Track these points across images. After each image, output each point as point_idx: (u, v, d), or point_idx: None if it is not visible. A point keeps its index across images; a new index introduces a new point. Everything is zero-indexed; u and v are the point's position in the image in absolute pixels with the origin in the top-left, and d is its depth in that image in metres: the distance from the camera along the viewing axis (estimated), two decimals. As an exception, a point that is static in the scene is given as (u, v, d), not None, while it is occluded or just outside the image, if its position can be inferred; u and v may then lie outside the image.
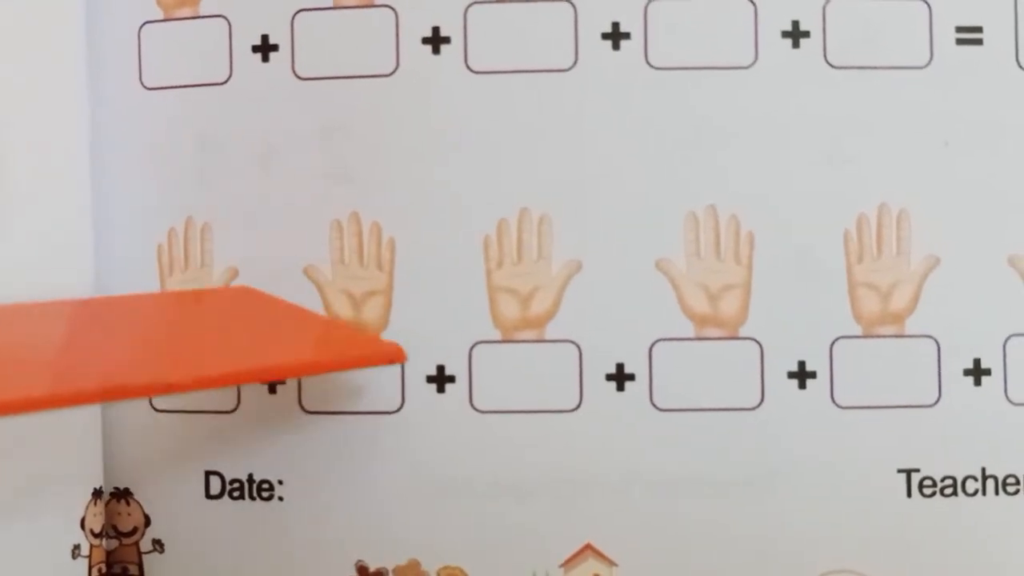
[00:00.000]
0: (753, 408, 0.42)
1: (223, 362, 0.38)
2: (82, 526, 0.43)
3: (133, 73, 0.43)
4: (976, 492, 0.42)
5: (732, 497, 0.41)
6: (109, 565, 0.44)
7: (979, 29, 0.41)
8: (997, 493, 0.42)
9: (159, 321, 0.42)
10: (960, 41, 0.41)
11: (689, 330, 0.42)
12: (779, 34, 0.42)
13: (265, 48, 0.42)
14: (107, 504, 0.44)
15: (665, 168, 0.41)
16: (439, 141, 0.42)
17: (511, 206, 0.42)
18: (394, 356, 0.40)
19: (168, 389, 0.37)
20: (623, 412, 0.42)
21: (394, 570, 0.42)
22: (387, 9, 0.42)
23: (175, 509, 0.43)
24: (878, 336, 0.42)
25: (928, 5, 0.41)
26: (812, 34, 0.41)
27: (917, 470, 0.42)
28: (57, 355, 0.38)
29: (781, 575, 0.42)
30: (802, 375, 0.42)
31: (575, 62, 0.42)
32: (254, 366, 0.38)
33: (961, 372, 0.42)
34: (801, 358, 0.42)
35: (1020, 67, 0.41)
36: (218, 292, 0.42)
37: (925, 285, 0.42)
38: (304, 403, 0.42)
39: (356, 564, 0.42)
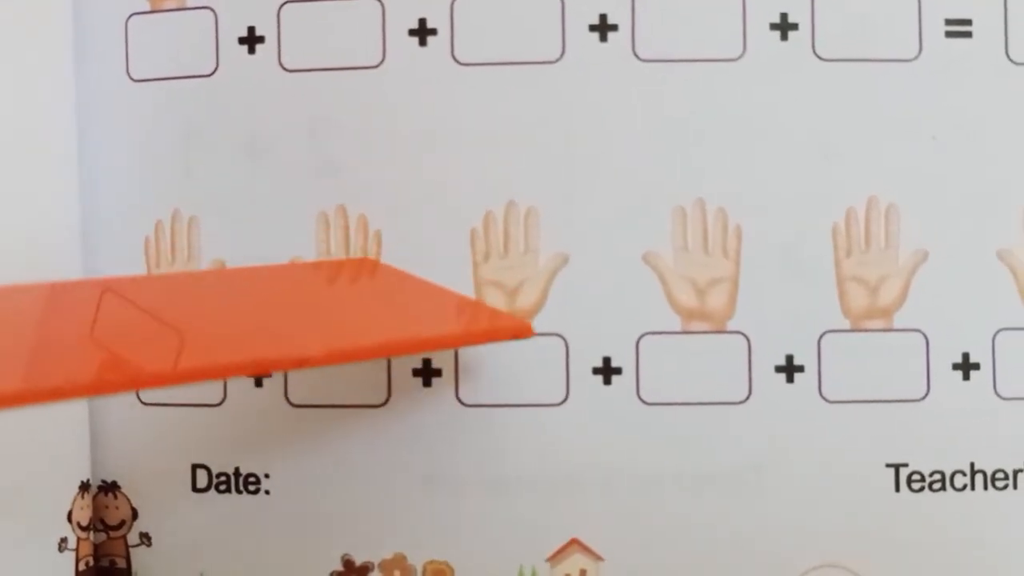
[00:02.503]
0: (741, 402, 0.41)
1: (354, 336, 0.37)
2: (69, 519, 0.43)
3: (120, 65, 0.43)
4: (965, 487, 0.41)
5: (719, 491, 0.41)
6: (96, 558, 0.44)
7: (968, 22, 0.41)
8: (986, 488, 0.41)
9: (283, 294, 0.40)
10: (949, 34, 0.41)
11: (676, 324, 0.41)
12: (767, 26, 0.41)
13: (252, 40, 0.42)
14: (94, 497, 0.44)
15: (652, 161, 0.41)
16: (426, 133, 0.42)
17: (498, 199, 0.42)
18: (521, 331, 0.39)
19: (302, 363, 0.35)
20: (610, 406, 0.42)
21: (380, 564, 0.42)
22: (374, 1, 0.42)
23: (162, 502, 0.43)
24: (866, 330, 0.41)
25: (917, -2, 0.41)
26: (800, 26, 0.41)
27: (905, 464, 0.41)
28: (191, 328, 0.37)
29: (768, 569, 0.41)
30: (790, 369, 0.41)
31: (562, 54, 0.42)
32: (384, 340, 0.37)
33: (950, 366, 0.41)
34: (789, 352, 0.41)
35: (1009, 60, 0.41)
36: (339, 264, 0.42)
37: (914, 279, 0.41)
38: (290, 397, 0.42)
39: (342, 557, 0.42)
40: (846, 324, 0.41)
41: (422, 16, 0.42)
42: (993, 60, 0.41)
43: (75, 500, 0.43)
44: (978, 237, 0.41)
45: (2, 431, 0.40)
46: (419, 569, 0.42)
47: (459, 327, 0.40)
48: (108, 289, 0.37)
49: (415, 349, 0.40)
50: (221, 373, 0.37)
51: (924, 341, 0.41)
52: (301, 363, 0.35)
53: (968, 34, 0.41)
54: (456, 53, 0.42)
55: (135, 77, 0.43)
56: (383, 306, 0.40)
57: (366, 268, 0.41)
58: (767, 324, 0.41)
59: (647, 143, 0.41)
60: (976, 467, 0.41)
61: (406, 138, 0.42)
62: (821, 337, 0.41)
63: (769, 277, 0.41)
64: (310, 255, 0.42)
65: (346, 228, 0.42)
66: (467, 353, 0.42)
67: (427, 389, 0.42)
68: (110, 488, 0.44)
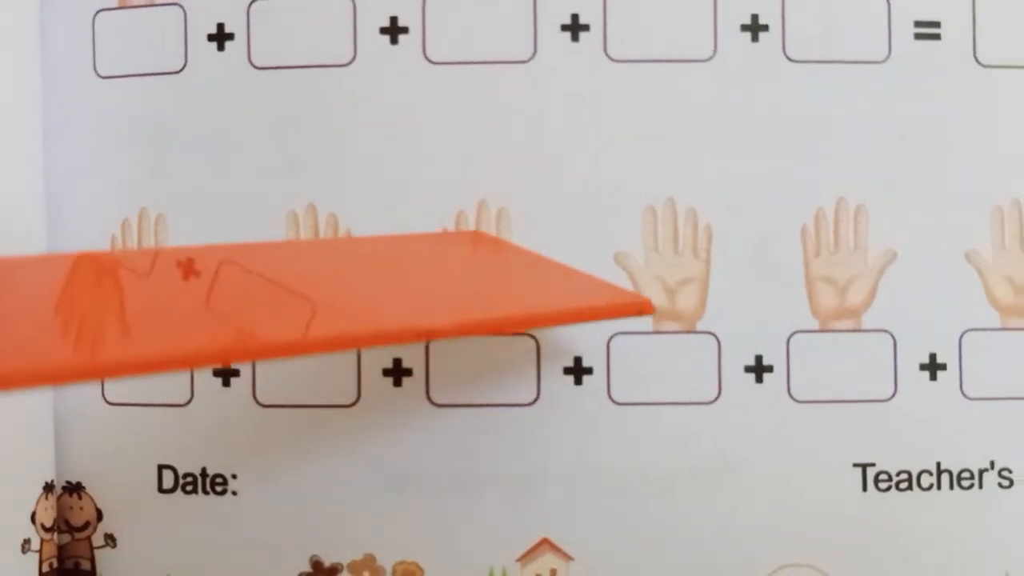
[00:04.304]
0: (710, 402, 0.42)
1: (479, 308, 0.36)
2: (33, 520, 0.42)
3: (87, 62, 0.43)
4: (931, 487, 0.42)
5: (689, 491, 0.41)
6: (60, 560, 0.44)
7: (937, 24, 0.42)
8: (952, 488, 0.42)
9: (399, 264, 0.39)
10: (918, 36, 0.42)
11: (647, 324, 0.42)
12: (738, 27, 0.42)
13: (221, 37, 0.42)
14: (59, 498, 0.43)
15: (623, 161, 0.41)
16: (397, 132, 0.41)
17: (469, 198, 0.42)
18: (643, 308, 0.39)
19: (430, 335, 0.35)
20: (581, 406, 0.42)
21: (349, 565, 0.42)
22: (345, -1, 0.42)
23: (128, 503, 0.43)
24: (835, 330, 0.42)
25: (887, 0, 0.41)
26: (771, 28, 0.41)
27: (872, 464, 0.42)
28: (317, 297, 0.36)
29: (736, 568, 0.42)
30: (759, 369, 0.42)
31: (534, 53, 0.41)
32: (509, 314, 0.37)
33: (917, 367, 0.42)
34: (758, 352, 0.42)
35: (978, 62, 0.42)
36: (450, 236, 0.41)
37: (882, 280, 0.42)
38: (258, 397, 0.42)
39: (311, 559, 0.42)
40: (815, 324, 0.42)
41: (393, 14, 0.42)
42: (962, 62, 0.42)
43: (39, 501, 0.42)
44: (946, 238, 0.42)
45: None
46: (389, 570, 0.42)
47: (581, 302, 0.39)
48: (226, 258, 0.36)
49: (540, 323, 0.39)
50: (351, 343, 0.36)
51: (892, 341, 0.42)
52: (430, 335, 0.35)
53: (937, 36, 0.42)
54: (427, 52, 0.42)
55: (102, 74, 0.43)
56: (502, 279, 0.39)
57: (479, 240, 0.41)
58: (737, 324, 0.42)
59: (618, 143, 0.41)
60: (942, 467, 0.42)
61: (377, 137, 0.42)
62: (790, 337, 0.42)
63: (739, 277, 0.41)
64: (279, 254, 0.42)
65: (315, 227, 0.42)
66: (439, 353, 0.42)
67: (398, 389, 0.42)
68: (75, 489, 0.43)
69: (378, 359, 0.42)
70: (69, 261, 0.36)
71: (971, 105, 0.42)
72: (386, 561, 0.42)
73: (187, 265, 0.36)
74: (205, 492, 0.42)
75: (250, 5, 0.42)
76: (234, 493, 0.42)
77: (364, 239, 0.41)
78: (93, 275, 0.35)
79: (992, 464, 0.42)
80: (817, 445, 0.42)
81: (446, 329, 0.35)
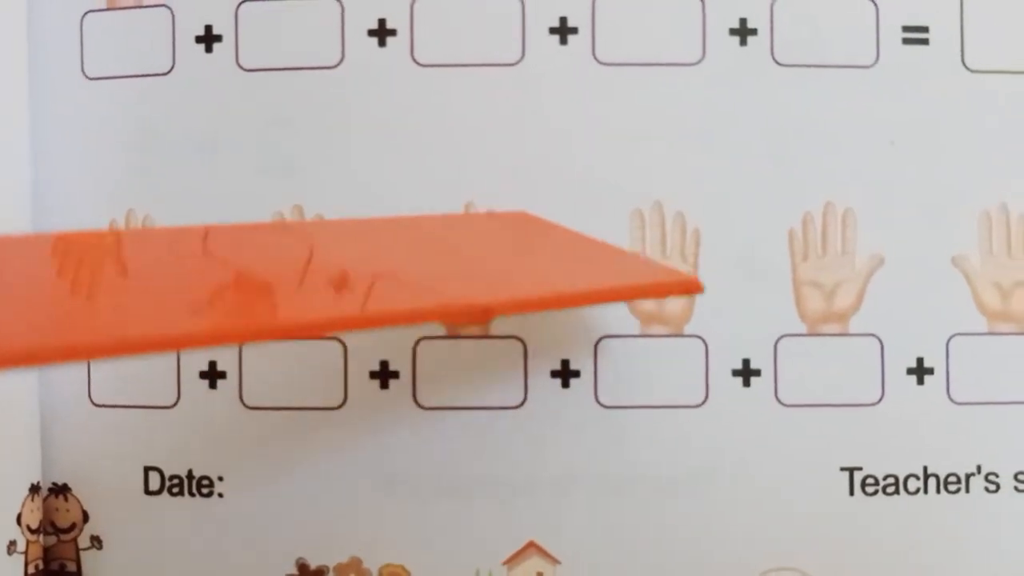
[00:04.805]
0: (697, 406, 0.42)
1: (532, 286, 0.36)
2: (19, 522, 0.42)
3: (75, 63, 0.43)
4: (918, 491, 0.42)
5: (675, 495, 0.41)
6: (46, 562, 0.43)
7: (925, 29, 0.42)
8: (939, 492, 0.42)
9: (449, 243, 0.39)
10: (906, 41, 0.42)
11: (634, 327, 0.42)
12: (727, 31, 0.41)
13: (209, 39, 0.42)
14: (45, 500, 0.43)
15: (611, 164, 0.41)
16: (384, 135, 0.41)
17: (456, 201, 0.41)
18: (692, 286, 0.39)
19: (485, 315, 0.34)
20: (568, 409, 0.41)
21: (335, 568, 0.42)
22: (332, 1, 0.42)
23: (114, 505, 0.43)
24: (822, 335, 0.42)
25: (875, 4, 0.41)
26: (759, 32, 0.41)
27: (859, 468, 0.42)
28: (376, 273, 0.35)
29: (724, 573, 0.41)
30: (746, 373, 0.42)
31: (522, 56, 0.41)
32: (562, 291, 0.36)
33: (904, 371, 0.42)
34: (746, 356, 0.42)
35: (966, 67, 0.42)
36: (497, 217, 0.41)
37: (869, 284, 0.42)
38: (245, 399, 0.42)
39: (297, 561, 0.42)
40: (802, 328, 0.42)
41: (381, 16, 0.42)
42: (950, 67, 0.42)
43: (25, 502, 0.42)
44: (934, 243, 0.42)
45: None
46: (375, 572, 0.42)
47: (631, 280, 0.39)
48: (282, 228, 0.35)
49: (592, 300, 0.39)
50: (409, 319, 0.35)
51: (879, 346, 0.42)
52: (486, 313, 0.34)
53: (925, 41, 0.42)
54: (415, 54, 0.42)
55: (90, 75, 0.43)
56: (551, 258, 0.39)
57: (525, 221, 0.40)
58: (724, 328, 0.42)
59: (606, 146, 0.41)
60: (929, 471, 0.42)
61: (364, 139, 0.41)
62: (777, 341, 0.42)
63: (727, 281, 0.41)
64: (267, 256, 0.42)
65: (303, 229, 0.42)
66: (425, 355, 0.41)
67: (384, 391, 0.42)
68: (61, 490, 0.43)
69: (364, 361, 0.42)
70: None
71: (959, 110, 0.42)
72: (372, 564, 0.42)
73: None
74: (191, 494, 0.42)
75: (238, 7, 0.42)
76: (220, 495, 0.42)
77: (411, 218, 0.40)
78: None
79: (979, 468, 0.42)
80: (804, 449, 0.42)
81: (501, 306, 0.34)
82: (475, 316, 0.35)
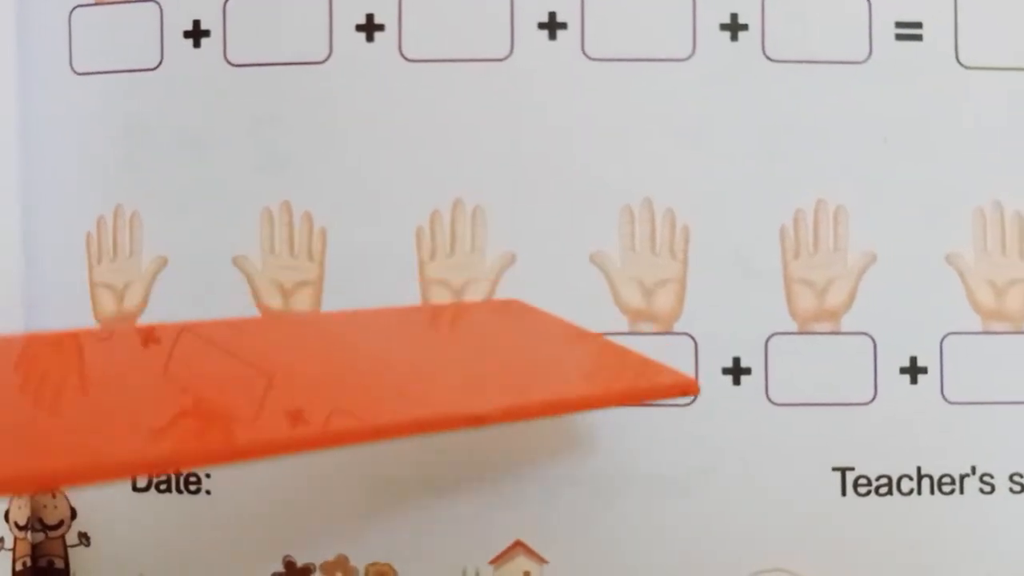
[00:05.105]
0: (687, 404, 0.41)
1: (518, 391, 0.35)
2: (6, 519, 0.42)
3: (63, 58, 0.43)
4: (911, 491, 0.41)
5: (664, 494, 0.41)
6: (34, 558, 0.43)
7: (919, 25, 0.41)
8: (932, 492, 0.41)
9: (434, 340, 0.39)
10: (899, 36, 0.41)
11: (623, 324, 0.41)
12: (717, 26, 0.41)
13: (197, 34, 0.42)
14: (33, 497, 0.43)
15: (601, 160, 0.41)
16: (372, 130, 0.41)
17: (444, 197, 0.41)
18: (688, 388, 0.39)
19: (479, 421, 0.33)
20: (556, 407, 0.41)
21: (322, 566, 0.42)
22: (321, -5, 0.42)
23: (102, 502, 0.43)
24: (814, 333, 0.41)
25: (868, 0, 0.41)
26: (751, 27, 0.41)
27: (852, 468, 0.41)
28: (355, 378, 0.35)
29: (713, 572, 0.41)
30: (736, 371, 0.41)
31: (511, 52, 0.41)
32: (548, 398, 0.35)
33: (897, 370, 0.41)
34: (736, 354, 0.41)
35: (959, 64, 0.41)
36: (484, 306, 0.40)
37: (862, 282, 0.41)
38: (233, 395, 0.42)
39: (284, 559, 0.42)
40: (793, 326, 0.41)
41: (369, 11, 0.41)
42: (943, 63, 0.41)
43: (12, 499, 0.42)
44: (927, 240, 0.41)
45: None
46: (361, 571, 0.42)
47: (623, 384, 0.38)
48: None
49: (583, 407, 0.38)
50: (391, 433, 0.34)
51: (872, 344, 0.41)
52: (478, 421, 0.33)
53: (919, 37, 0.41)
54: (404, 49, 0.41)
55: (78, 70, 0.43)
56: (539, 357, 0.38)
57: (513, 311, 0.40)
58: (715, 326, 0.41)
59: (595, 142, 0.41)
60: (923, 471, 0.41)
61: (352, 134, 0.41)
62: (768, 339, 0.41)
63: (717, 278, 0.41)
64: (254, 252, 0.42)
65: (290, 224, 0.42)
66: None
67: (371, 388, 0.41)
68: (49, 487, 0.43)
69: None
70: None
71: (953, 107, 0.41)
72: (359, 562, 0.42)
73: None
74: (179, 491, 0.42)
75: (226, 2, 0.42)
76: (208, 492, 0.42)
77: (395, 310, 0.40)
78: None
79: (973, 469, 0.41)
80: (796, 449, 0.41)
81: (492, 415, 0.33)
82: (466, 425, 0.34)
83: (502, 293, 0.41)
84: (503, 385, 0.36)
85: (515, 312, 0.40)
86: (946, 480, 0.41)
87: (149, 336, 0.36)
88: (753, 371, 0.41)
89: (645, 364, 0.39)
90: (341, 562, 0.42)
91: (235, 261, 0.42)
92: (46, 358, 0.34)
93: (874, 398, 0.41)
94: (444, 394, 0.35)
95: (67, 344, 0.35)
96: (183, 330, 0.36)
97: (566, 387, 0.37)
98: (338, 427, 0.32)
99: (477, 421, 0.33)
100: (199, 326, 0.36)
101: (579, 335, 0.40)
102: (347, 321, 0.39)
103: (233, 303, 0.42)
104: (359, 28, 0.41)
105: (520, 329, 0.40)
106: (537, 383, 0.36)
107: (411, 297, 0.41)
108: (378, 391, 0.34)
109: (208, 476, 0.42)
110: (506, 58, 0.41)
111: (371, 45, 0.41)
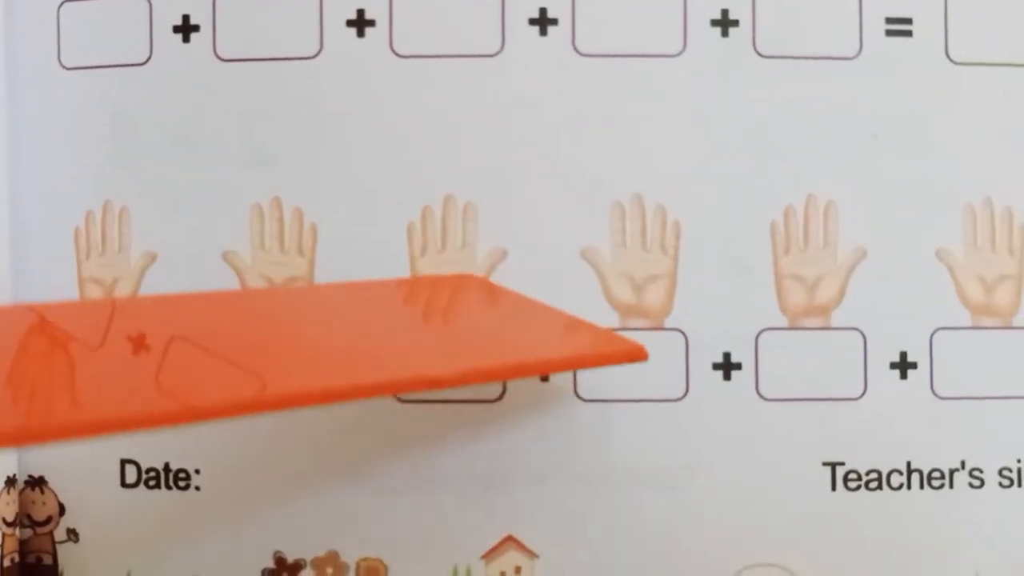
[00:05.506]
0: (678, 399, 0.41)
1: (475, 356, 0.36)
2: (-6, 514, 0.42)
3: (52, 53, 0.42)
4: (901, 486, 0.41)
5: (655, 489, 0.41)
6: (22, 554, 0.43)
7: (909, 21, 0.41)
8: (922, 487, 0.41)
9: (391, 311, 0.39)
10: (890, 32, 0.41)
11: (614, 320, 0.41)
12: (708, 22, 0.41)
13: (186, 29, 0.42)
14: (21, 492, 0.43)
15: (591, 156, 0.41)
16: (363, 126, 0.41)
17: (436, 193, 0.41)
18: (636, 354, 0.38)
19: (432, 384, 0.34)
20: (547, 402, 0.41)
21: (312, 561, 0.42)
22: (311, -10, 0.41)
23: (90, 498, 0.43)
24: (804, 328, 0.41)
25: (858, -5, 0.41)
26: (741, 23, 0.41)
27: (842, 463, 0.41)
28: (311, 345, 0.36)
29: (703, 567, 0.41)
30: (727, 367, 0.41)
31: (502, 47, 0.41)
32: (505, 362, 0.36)
33: (887, 365, 0.41)
34: (726, 349, 0.41)
35: (950, 59, 0.41)
36: (442, 280, 0.40)
37: (851, 277, 0.41)
38: (223, 391, 0.42)
39: (274, 555, 0.42)
40: (784, 322, 0.41)
41: (360, 7, 0.41)
42: (933, 59, 0.41)
43: (1, 495, 0.42)
44: (917, 236, 0.41)
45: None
46: (352, 566, 0.42)
47: (577, 348, 0.39)
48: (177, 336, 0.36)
49: (536, 371, 0.39)
50: (352, 394, 0.34)
51: (862, 340, 0.41)
52: (432, 384, 0.34)
53: (909, 33, 0.41)
54: (394, 45, 0.41)
55: (67, 65, 0.42)
56: (497, 325, 0.39)
57: (471, 285, 0.40)
58: (705, 321, 0.41)
59: (586, 138, 0.41)
60: (913, 466, 0.41)
61: (342, 130, 0.41)
62: (758, 335, 0.41)
63: (707, 274, 0.41)
64: (243, 247, 0.41)
65: (280, 220, 0.41)
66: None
67: (362, 385, 0.41)
68: (37, 483, 0.43)
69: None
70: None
71: (943, 102, 0.41)
72: (350, 557, 0.42)
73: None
74: (168, 487, 0.42)
75: (216, -4, 0.42)
76: (197, 488, 0.42)
77: (350, 285, 0.40)
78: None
79: (963, 464, 0.42)
80: (786, 444, 0.41)
81: (448, 379, 0.34)
82: (421, 388, 0.36)
83: (493, 289, 0.41)
84: (460, 351, 0.36)
85: (474, 286, 0.41)
86: (936, 474, 0.41)
87: (120, 311, 0.36)
88: (744, 366, 0.41)
89: (597, 332, 0.39)
90: (332, 557, 0.42)
91: (225, 256, 0.42)
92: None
93: (864, 393, 0.41)
94: (401, 359, 0.35)
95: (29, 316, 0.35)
96: (156, 303, 0.37)
97: (521, 353, 0.37)
98: (295, 389, 0.33)
99: (434, 384, 0.34)
100: (170, 300, 0.38)
101: (534, 307, 0.40)
102: (308, 295, 0.40)
103: (223, 299, 0.41)
104: (350, 23, 0.41)
105: (478, 301, 0.40)
106: (492, 349, 0.37)
107: (402, 293, 0.41)
108: (337, 357, 0.35)
109: (198, 472, 0.42)
110: (497, 54, 0.41)
111: (362, 40, 0.41)
